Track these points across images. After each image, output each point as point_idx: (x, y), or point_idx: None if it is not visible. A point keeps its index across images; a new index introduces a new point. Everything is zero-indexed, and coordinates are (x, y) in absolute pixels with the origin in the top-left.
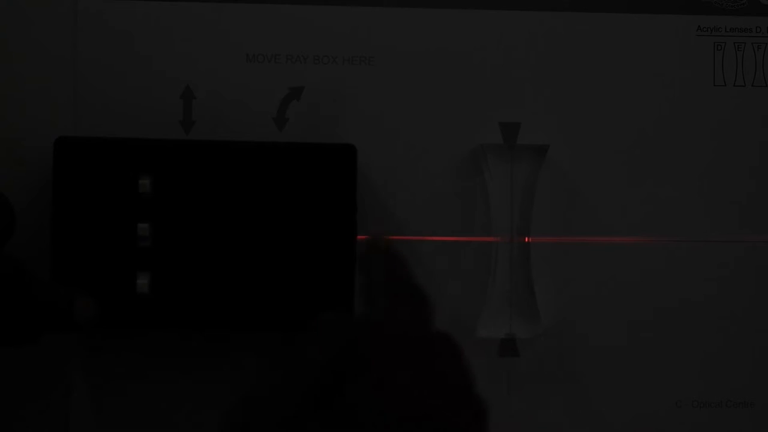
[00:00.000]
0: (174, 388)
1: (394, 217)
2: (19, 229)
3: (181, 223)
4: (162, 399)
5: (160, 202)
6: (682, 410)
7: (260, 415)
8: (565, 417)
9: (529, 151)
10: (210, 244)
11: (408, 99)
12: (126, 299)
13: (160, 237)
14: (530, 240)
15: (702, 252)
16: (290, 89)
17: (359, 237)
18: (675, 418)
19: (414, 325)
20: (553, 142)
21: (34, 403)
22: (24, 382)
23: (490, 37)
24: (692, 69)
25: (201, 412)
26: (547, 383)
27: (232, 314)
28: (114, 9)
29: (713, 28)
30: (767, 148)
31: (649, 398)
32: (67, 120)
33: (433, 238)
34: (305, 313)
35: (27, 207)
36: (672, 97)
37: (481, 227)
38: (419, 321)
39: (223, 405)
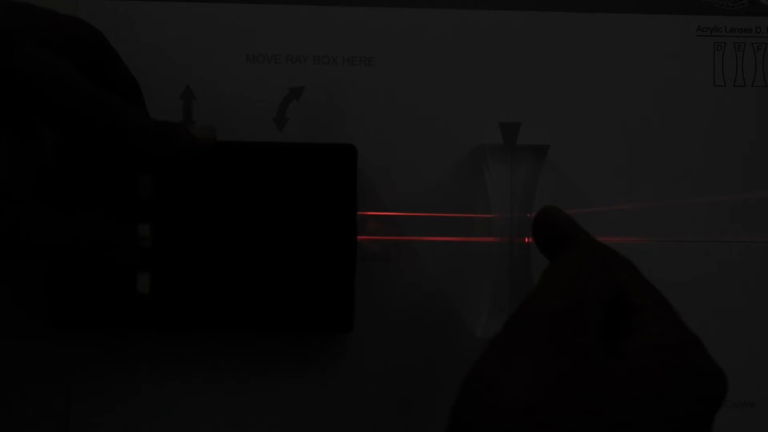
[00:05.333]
0: (174, 388)
1: (394, 218)
2: None
3: (181, 223)
4: (162, 399)
5: (160, 202)
6: None
7: None
8: None
9: (529, 151)
10: (210, 244)
11: (408, 99)
12: (126, 299)
13: (161, 237)
14: (530, 240)
15: (701, 252)
16: (290, 89)
17: (359, 237)
18: None
19: None
20: (553, 142)
21: (33, 403)
22: (24, 382)
23: (490, 37)
24: (692, 69)
25: (201, 413)
26: None
27: (232, 314)
28: (114, 9)
29: (713, 28)
30: (767, 148)
31: None
32: None
33: (433, 238)
34: (305, 313)
35: None
36: (672, 97)
37: (481, 227)
38: None
39: (222, 404)
